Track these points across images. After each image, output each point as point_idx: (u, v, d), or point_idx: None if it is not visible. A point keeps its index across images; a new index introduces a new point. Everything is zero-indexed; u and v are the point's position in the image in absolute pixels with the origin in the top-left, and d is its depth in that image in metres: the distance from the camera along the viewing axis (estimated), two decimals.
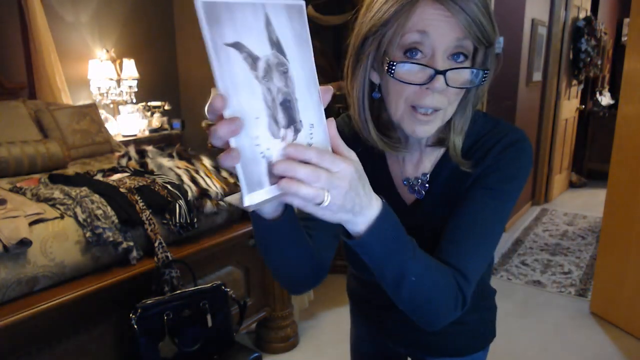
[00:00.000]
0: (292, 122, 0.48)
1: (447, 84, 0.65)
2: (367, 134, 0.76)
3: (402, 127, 0.72)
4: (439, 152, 0.80)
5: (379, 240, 0.58)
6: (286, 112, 0.47)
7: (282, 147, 0.47)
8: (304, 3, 0.48)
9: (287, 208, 0.59)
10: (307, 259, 0.68)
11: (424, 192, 0.79)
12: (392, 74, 0.66)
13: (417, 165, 0.81)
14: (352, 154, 0.53)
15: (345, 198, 0.50)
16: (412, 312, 0.69)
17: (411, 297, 0.65)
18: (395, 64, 0.66)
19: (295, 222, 0.62)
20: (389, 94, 0.71)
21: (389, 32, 0.66)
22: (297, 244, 0.65)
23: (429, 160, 0.80)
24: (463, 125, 0.74)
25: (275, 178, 0.47)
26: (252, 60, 0.44)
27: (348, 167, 0.49)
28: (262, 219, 0.58)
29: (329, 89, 0.52)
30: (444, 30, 0.64)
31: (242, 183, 0.45)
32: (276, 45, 0.46)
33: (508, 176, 0.73)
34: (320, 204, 0.48)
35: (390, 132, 0.78)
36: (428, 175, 0.79)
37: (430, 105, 0.67)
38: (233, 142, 0.44)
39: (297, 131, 0.48)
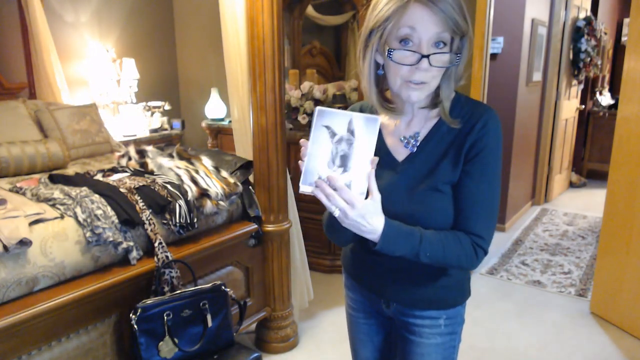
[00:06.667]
0: (344, 166, 0.85)
1: (431, 64, 0.88)
2: (372, 101, 1.01)
3: (400, 95, 0.95)
4: (429, 118, 1.01)
5: (390, 242, 0.90)
6: (342, 160, 0.84)
7: (328, 174, 0.84)
8: (379, 118, 0.83)
9: None
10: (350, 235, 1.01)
11: (416, 147, 1.01)
12: (391, 58, 0.90)
13: (409, 125, 1.03)
14: (377, 196, 0.86)
15: (349, 219, 0.84)
16: (437, 266, 0.98)
17: (431, 261, 0.94)
18: (392, 50, 0.89)
19: None
20: (389, 73, 0.94)
21: (388, 26, 0.89)
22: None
23: (419, 121, 1.02)
24: (449, 94, 0.97)
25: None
26: (332, 133, 0.84)
27: (357, 204, 0.83)
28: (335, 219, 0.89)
29: (375, 160, 0.84)
30: (428, 25, 0.87)
31: (302, 178, 0.84)
32: (351, 131, 0.84)
33: (493, 148, 0.95)
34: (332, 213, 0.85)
35: (390, 100, 1.04)
36: (419, 133, 1.01)
37: (419, 80, 0.90)
38: (306, 159, 0.85)
39: (344, 171, 0.85)
